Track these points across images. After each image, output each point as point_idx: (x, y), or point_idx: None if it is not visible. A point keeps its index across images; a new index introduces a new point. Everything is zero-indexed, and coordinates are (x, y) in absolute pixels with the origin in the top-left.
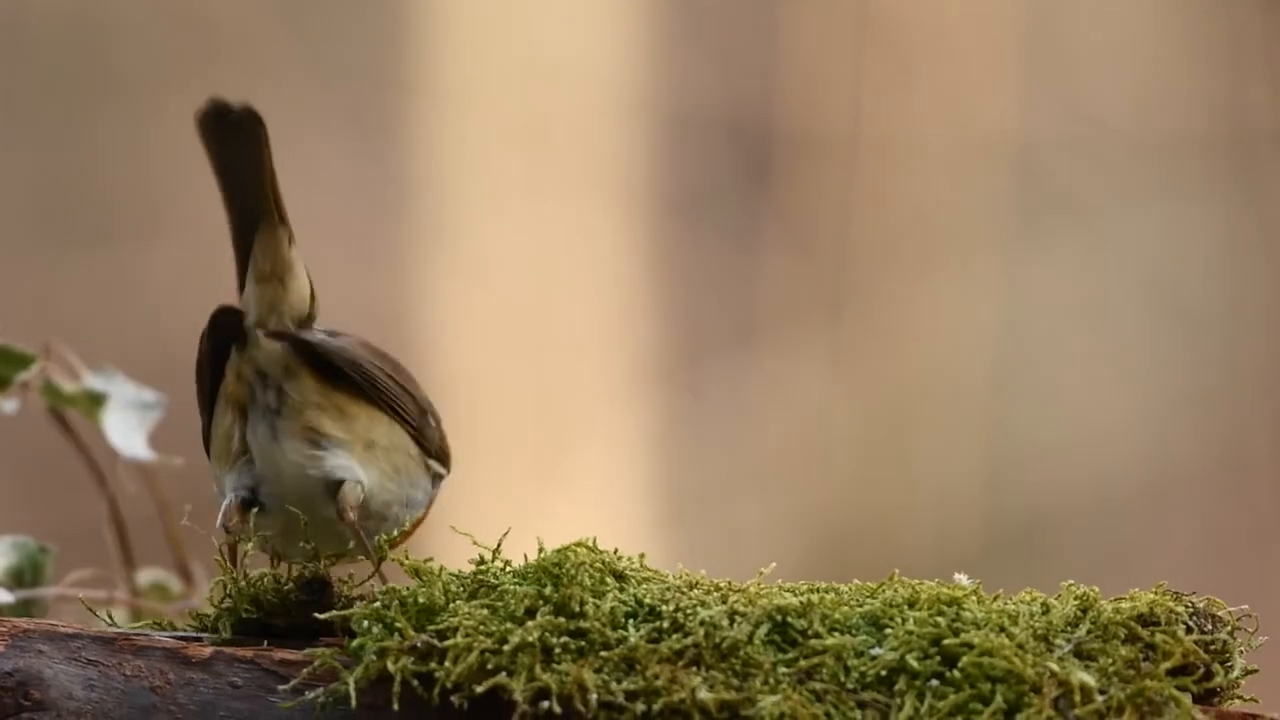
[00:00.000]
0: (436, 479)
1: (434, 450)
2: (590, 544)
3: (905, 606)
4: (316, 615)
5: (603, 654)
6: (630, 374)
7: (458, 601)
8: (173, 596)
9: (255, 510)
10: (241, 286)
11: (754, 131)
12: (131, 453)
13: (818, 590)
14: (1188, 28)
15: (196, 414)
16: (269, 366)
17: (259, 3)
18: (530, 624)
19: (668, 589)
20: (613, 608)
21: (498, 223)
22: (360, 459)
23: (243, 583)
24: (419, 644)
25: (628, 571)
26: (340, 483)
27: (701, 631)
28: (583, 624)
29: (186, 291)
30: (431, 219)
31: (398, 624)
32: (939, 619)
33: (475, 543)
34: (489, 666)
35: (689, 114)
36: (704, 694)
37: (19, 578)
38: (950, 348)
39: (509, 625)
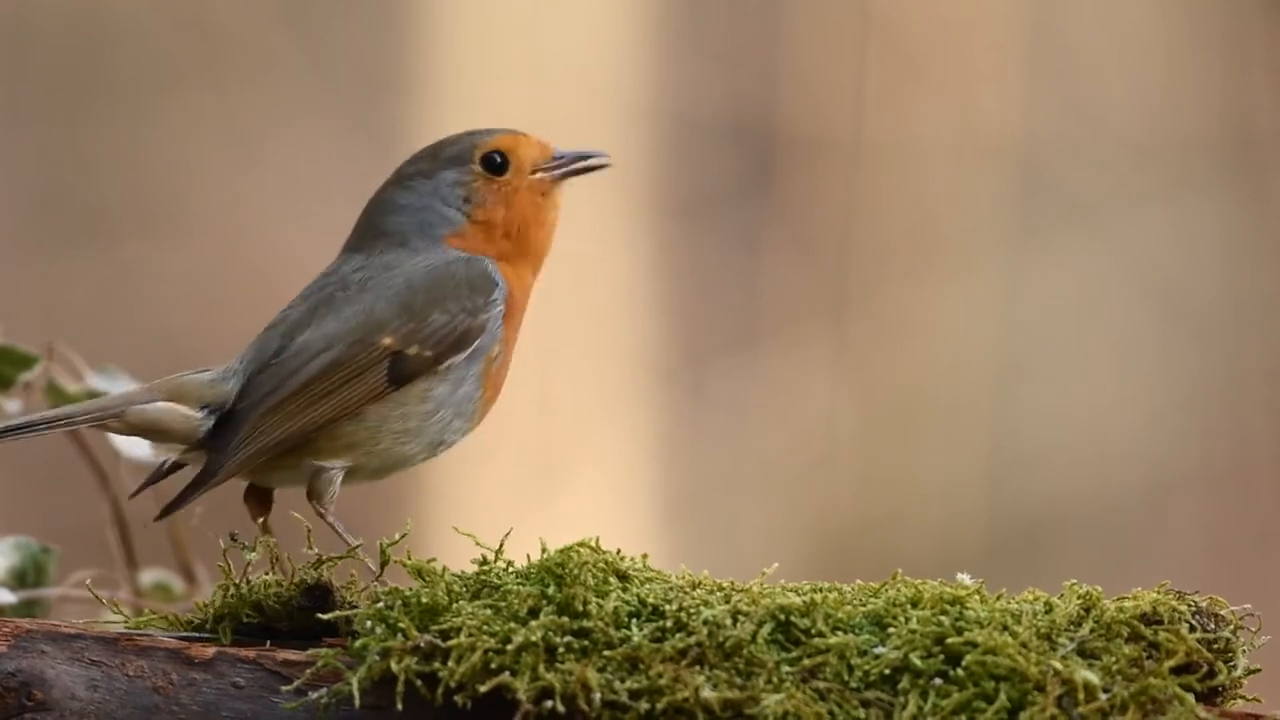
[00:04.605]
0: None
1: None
2: (593, 544)
3: (908, 606)
4: (319, 616)
5: (606, 653)
6: (633, 375)
7: (461, 602)
8: (175, 597)
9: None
10: None
11: (757, 133)
12: (134, 453)
13: (821, 590)
14: (1191, 29)
15: None
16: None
17: (259, 3)
18: (534, 624)
19: (671, 589)
20: (616, 607)
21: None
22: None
23: (244, 588)
24: (422, 644)
25: (630, 571)
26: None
27: (705, 631)
28: (586, 624)
29: (189, 291)
30: None
31: (401, 624)
32: (942, 618)
33: (478, 543)
34: (492, 666)
35: (692, 116)
36: (707, 693)
37: (22, 578)
38: (953, 348)
39: (512, 625)
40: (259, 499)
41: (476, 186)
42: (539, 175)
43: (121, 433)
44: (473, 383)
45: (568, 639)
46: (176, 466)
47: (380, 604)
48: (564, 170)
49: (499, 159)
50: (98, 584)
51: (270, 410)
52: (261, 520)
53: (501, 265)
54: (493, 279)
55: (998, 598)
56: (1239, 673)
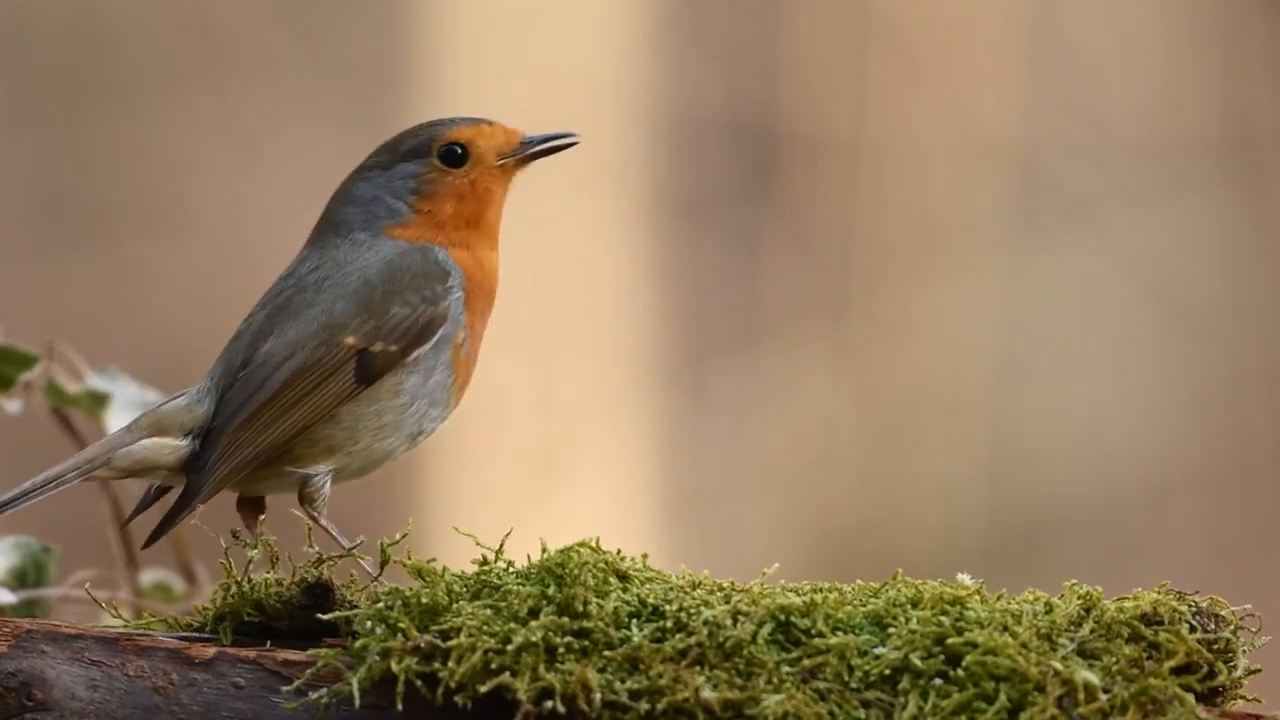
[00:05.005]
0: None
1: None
2: (593, 544)
3: (908, 606)
4: (319, 615)
5: (606, 654)
6: (633, 375)
7: (461, 602)
8: (176, 597)
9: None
10: None
11: (757, 133)
12: None
13: (821, 590)
14: (1191, 29)
15: None
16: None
17: (259, 3)
18: (534, 624)
19: (671, 589)
20: (616, 608)
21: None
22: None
23: (245, 587)
24: (422, 644)
25: (631, 572)
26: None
27: (705, 631)
28: (586, 624)
29: (189, 291)
30: None
31: (401, 624)
32: (942, 618)
33: (478, 543)
34: (493, 666)
35: (692, 115)
36: (708, 693)
37: (22, 578)
38: (953, 348)
39: (512, 625)
40: (251, 506)
41: (430, 179)
42: (503, 162)
43: (113, 478)
44: (443, 371)
45: (568, 639)
46: (162, 491)
47: (380, 604)
48: (528, 154)
49: (459, 151)
50: (98, 584)
51: (243, 425)
52: (260, 519)
53: (456, 251)
54: (445, 267)
55: (998, 598)
56: (1239, 673)
